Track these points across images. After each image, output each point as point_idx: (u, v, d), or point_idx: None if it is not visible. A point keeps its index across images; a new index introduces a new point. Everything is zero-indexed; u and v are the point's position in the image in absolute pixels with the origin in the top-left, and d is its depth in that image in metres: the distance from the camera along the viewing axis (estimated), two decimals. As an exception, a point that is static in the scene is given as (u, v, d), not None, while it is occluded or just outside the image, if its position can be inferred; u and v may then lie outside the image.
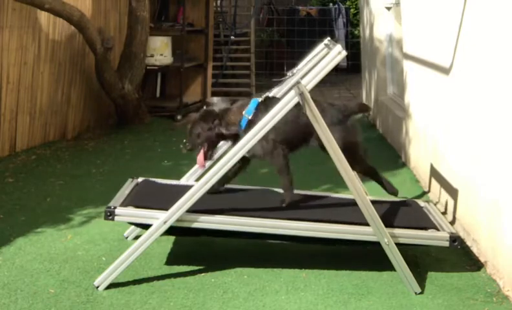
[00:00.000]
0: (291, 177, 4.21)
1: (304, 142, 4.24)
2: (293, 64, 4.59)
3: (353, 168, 4.06)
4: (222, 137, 4.19)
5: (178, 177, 4.72)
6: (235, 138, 4.09)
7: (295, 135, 4.20)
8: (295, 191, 4.47)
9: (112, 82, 8.06)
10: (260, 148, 4.10)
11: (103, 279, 3.75)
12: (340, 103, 4.53)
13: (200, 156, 4.19)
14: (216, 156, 4.35)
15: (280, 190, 4.44)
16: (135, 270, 3.96)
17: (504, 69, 3.90)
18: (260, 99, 4.16)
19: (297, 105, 3.73)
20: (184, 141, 4.21)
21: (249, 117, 4.05)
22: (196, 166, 4.58)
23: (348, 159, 3.78)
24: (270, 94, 4.42)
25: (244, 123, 4.06)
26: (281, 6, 14.69)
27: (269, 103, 4.09)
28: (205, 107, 4.43)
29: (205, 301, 3.64)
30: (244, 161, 4.19)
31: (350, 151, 4.00)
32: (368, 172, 4.41)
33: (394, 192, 4.50)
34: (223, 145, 4.44)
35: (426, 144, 5.74)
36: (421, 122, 6.01)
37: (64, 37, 7.64)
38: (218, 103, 4.26)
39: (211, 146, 4.20)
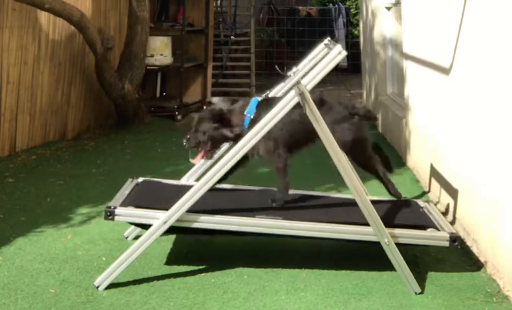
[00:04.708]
0: (289, 181, 4.20)
1: (310, 141, 4.23)
2: (293, 65, 4.58)
3: (364, 166, 4.20)
4: (226, 139, 4.19)
5: (178, 177, 4.71)
6: (237, 139, 4.09)
7: (300, 135, 4.19)
8: (295, 191, 4.47)
9: (112, 82, 8.06)
10: (263, 148, 4.10)
11: (103, 279, 3.75)
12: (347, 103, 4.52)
13: (199, 156, 4.19)
14: (216, 156, 4.35)
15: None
16: (135, 270, 3.96)
17: (504, 69, 3.90)
18: (260, 98, 4.16)
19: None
20: (188, 136, 4.19)
21: (251, 116, 4.05)
22: (196, 166, 4.58)
23: (358, 156, 3.80)
24: (270, 94, 4.43)
25: (246, 123, 4.06)
26: (281, 6, 14.69)
27: (270, 101, 4.09)
28: (209, 106, 4.41)
29: (205, 301, 3.64)
30: (243, 159, 4.18)
31: (359, 147, 4.03)
32: (375, 170, 4.40)
33: (397, 196, 4.50)
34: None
35: (426, 144, 5.73)
36: (421, 122, 6.01)
37: (64, 37, 7.64)
38: (219, 103, 4.23)
39: (214, 146, 4.20)
